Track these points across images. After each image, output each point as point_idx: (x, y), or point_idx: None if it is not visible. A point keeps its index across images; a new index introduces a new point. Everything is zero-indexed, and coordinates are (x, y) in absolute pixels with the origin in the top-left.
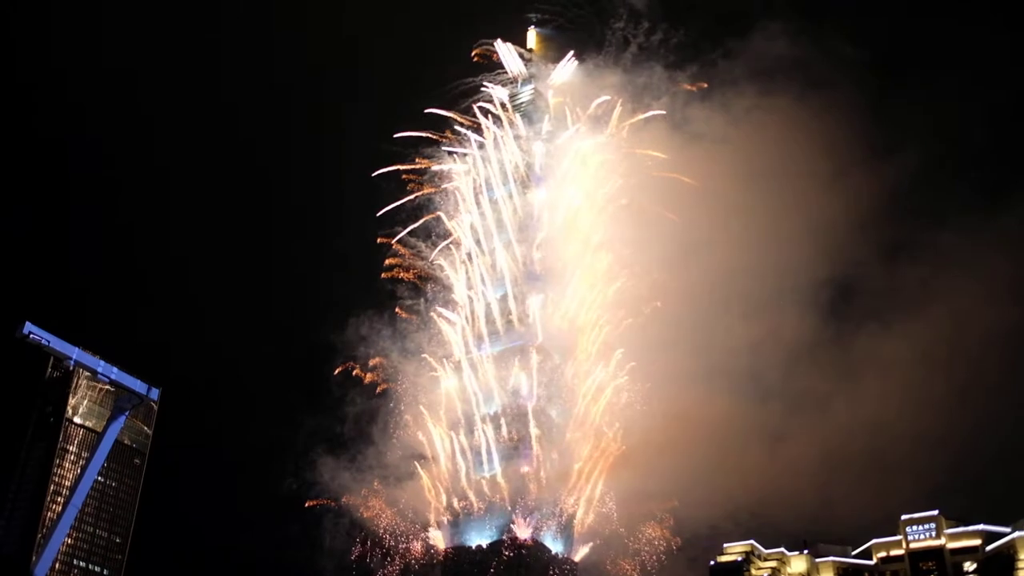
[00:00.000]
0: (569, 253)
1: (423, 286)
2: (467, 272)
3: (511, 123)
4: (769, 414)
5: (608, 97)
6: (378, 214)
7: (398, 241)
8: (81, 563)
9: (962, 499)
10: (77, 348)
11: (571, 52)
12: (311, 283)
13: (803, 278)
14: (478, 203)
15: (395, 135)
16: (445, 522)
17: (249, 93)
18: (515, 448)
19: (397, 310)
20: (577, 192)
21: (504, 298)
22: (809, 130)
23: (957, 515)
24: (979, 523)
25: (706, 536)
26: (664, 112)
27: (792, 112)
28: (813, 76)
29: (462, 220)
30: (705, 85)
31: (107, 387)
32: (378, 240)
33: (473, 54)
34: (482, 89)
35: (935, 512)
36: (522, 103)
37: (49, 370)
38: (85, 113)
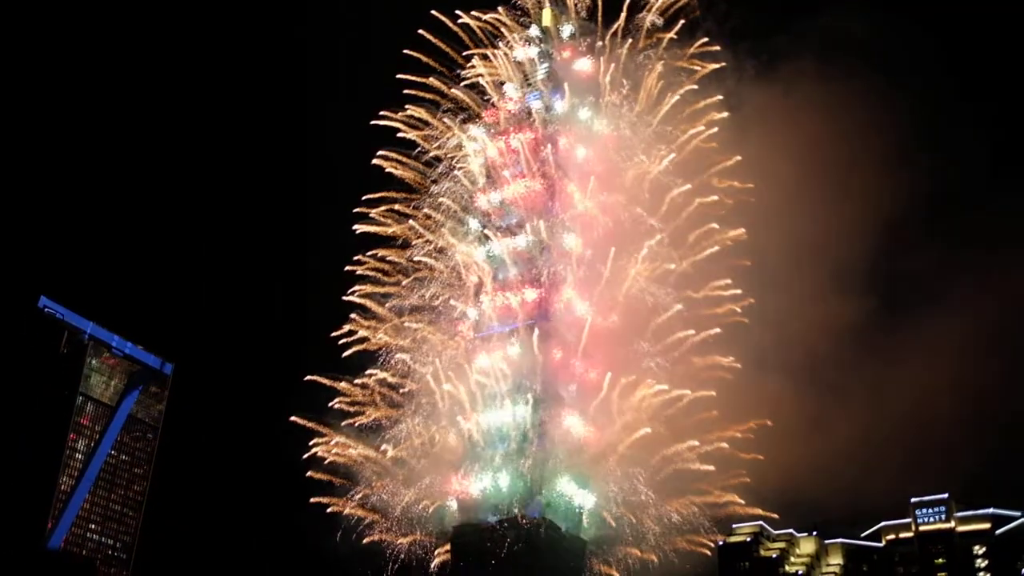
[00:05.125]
0: (604, 230)
1: (441, 259)
2: (491, 246)
3: (523, 95)
4: (812, 397)
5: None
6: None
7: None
8: (94, 536)
9: (991, 484)
10: (91, 322)
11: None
12: (329, 256)
13: (858, 264)
14: (493, 179)
15: (382, 113)
16: (455, 500)
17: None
18: (531, 427)
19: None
20: (612, 169)
21: (530, 272)
22: (872, 117)
23: (973, 500)
24: (989, 507)
25: (724, 515)
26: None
27: (857, 98)
28: (882, 63)
29: (478, 196)
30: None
31: (121, 361)
32: (370, 193)
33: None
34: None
35: (945, 495)
36: (538, 80)
37: (63, 344)
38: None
